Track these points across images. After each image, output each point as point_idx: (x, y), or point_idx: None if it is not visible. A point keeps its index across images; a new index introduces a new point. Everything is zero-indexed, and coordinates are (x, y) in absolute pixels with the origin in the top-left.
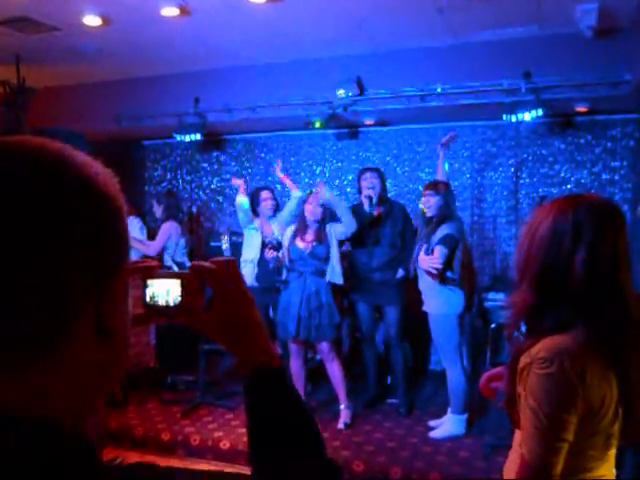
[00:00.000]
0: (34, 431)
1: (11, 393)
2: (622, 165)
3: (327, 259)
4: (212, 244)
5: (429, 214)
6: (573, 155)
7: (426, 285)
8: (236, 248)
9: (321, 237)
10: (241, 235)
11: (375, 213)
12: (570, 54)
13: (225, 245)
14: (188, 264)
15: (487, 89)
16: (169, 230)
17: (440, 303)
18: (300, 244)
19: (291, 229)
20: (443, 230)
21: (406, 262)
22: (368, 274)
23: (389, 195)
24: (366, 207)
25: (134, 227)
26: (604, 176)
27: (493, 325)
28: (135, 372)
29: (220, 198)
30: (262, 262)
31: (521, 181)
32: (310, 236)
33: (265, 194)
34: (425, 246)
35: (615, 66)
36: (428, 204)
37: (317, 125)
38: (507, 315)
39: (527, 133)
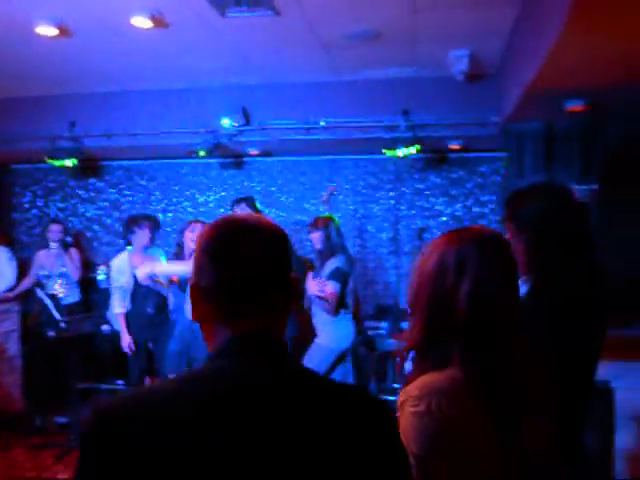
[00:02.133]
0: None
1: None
2: (491, 199)
3: None
4: (88, 275)
5: (317, 248)
6: (447, 189)
7: (319, 320)
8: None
9: None
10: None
11: None
12: (444, 95)
13: (102, 276)
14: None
15: (368, 125)
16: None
17: (330, 337)
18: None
19: (165, 260)
20: (331, 264)
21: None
22: None
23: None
24: None
25: (1, 257)
26: (475, 209)
27: (377, 353)
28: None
29: (96, 227)
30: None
31: (401, 213)
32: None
33: (145, 224)
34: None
35: (484, 108)
36: (314, 240)
37: (201, 154)
38: (399, 349)
39: (406, 168)
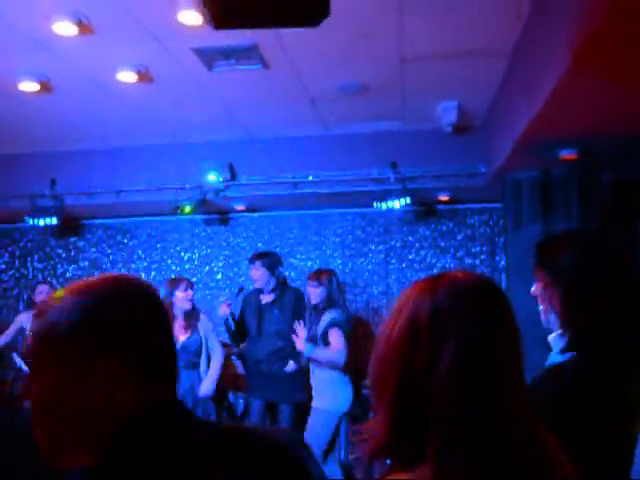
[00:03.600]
0: None
1: None
2: (482, 250)
3: (199, 352)
4: None
5: (313, 302)
6: (437, 241)
7: (316, 380)
8: None
9: (191, 328)
10: None
11: (263, 302)
12: (432, 147)
13: None
14: None
15: (357, 178)
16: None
17: (328, 399)
18: None
19: None
20: (326, 317)
21: (299, 354)
22: (256, 366)
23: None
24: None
25: None
26: (467, 261)
27: (370, 415)
28: None
29: None
30: None
31: (391, 266)
32: (179, 327)
33: None
34: (313, 335)
35: (472, 159)
36: (313, 294)
37: (187, 210)
38: (362, 448)
39: (395, 221)
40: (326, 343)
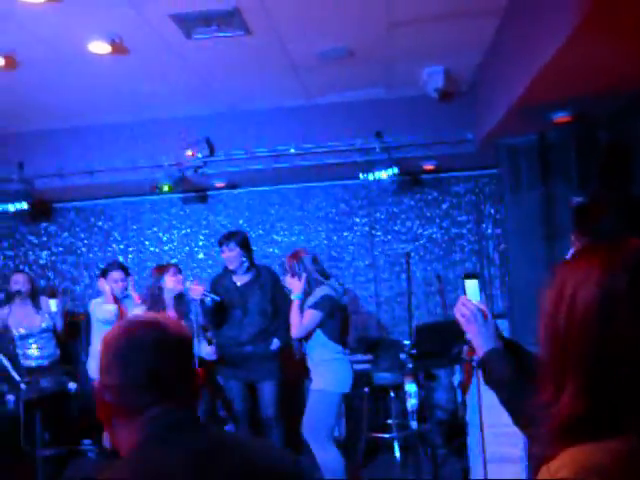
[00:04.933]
0: None
1: None
2: (468, 219)
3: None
4: None
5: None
6: (423, 211)
7: (314, 361)
8: (75, 330)
9: (182, 313)
10: (79, 315)
11: (238, 283)
12: (418, 115)
13: None
14: None
15: (340, 149)
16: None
17: (326, 379)
18: None
19: (139, 311)
20: (318, 292)
21: (281, 331)
22: (238, 348)
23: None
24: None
25: None
26: (453, 230)
27: (366, 389)
28: None
29: (50, 274)
30: None
31: (376, 239)
32: (171, 315)
33: (116, 275)
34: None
35: (459, 126)
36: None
37: (165, 189)
38: (533, 431)
39: (378, 192)
40: None
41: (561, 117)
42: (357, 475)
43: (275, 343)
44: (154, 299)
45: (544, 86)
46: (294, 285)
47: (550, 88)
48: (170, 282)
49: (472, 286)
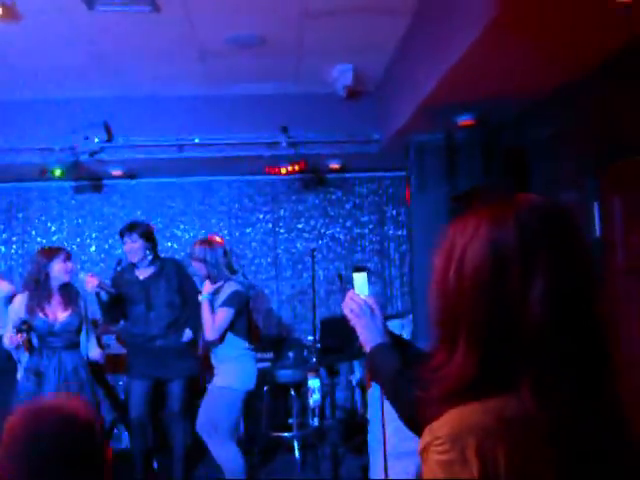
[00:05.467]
0: None
1: None
2: (370, 220)
3: (80, 331)
4: None
5: (203, 275)
6: (326, 210)
7: (218, 357)
8: None
9: (70, 304)
10: None
11: (141, 277)
12: (325, 112)
13: None
14: None
15: (246, 142)
16: None
17: (232, 377)
18: (47, 316)
19: (21, 299)
20: (228, 288)
21: (192, 321)
22: (148, 344)
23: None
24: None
25: None
26: (356, 230)
27: (265, 388)
28: None
29: None
30: None
31: (279, 237)
32: (57, 304)
33: None
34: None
35: (365, 126)
36: (197, 268)
37: (57, 173)
38: (424, 394)
39: (283, 189)
40: None
41: (465, 120)
42: (256, 475)
43: (187, 334)
44: (39, 285)
45: (449, 88)
46: (204, 286)
47: (455, 90)
48: (58, 269)
49: (361, 280)
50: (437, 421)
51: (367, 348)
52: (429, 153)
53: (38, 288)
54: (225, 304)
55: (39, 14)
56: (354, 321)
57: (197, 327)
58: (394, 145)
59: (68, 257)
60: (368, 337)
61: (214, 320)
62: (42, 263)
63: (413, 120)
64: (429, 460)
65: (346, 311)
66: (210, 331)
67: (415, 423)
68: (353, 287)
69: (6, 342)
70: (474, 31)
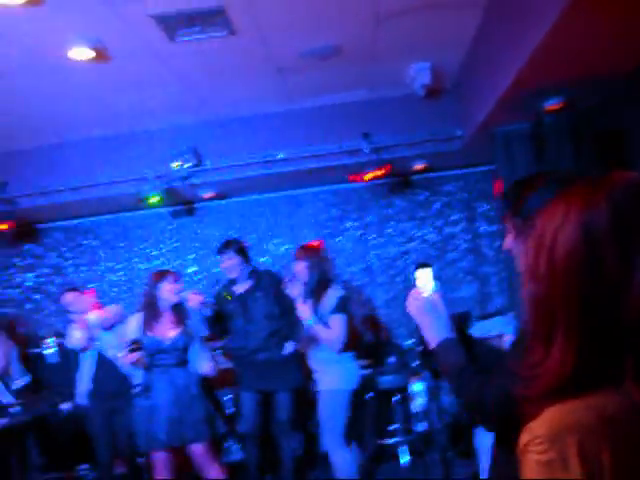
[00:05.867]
0: None
1: None
2: (461, 218)
3: (187, 349)
4: (33, 351)
5: (303, 282)
6: (415, 212)
7: (317, 361)
8: (66, 352)
9: (180, 323)
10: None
11: (238, 291)
12: (405, 114)
13: (50, 350)
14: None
15: (329, 152)
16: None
17: (334, 379)
18: (157, 334)
19: (134, 319)
20: (333, 295)
21: (293, 332)
22: (250, 357)
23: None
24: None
25: None
26: (446, 230)
27: (368, 395)
28: None
29: (38, 296)
30: (102, 369)
31: (369, 243)
32: (168, 323)
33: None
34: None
35: (446, 123)
36: (299, 272)
37: (152, 201)
38: (521, 392)
39: (369, 195)
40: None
41: (552, 105)
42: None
43: (289, 346)
44: (150, 306)
45: (533, 72)
46: (303, 311)
47: (539, 74)
48: (167, 290)
49: (424, 276)
50: (535, 420)
51: (433, 345)
52: (516, 143)
53: (149, 308)
54: (336, 311)
55: (126, 52)
56: (418, 319)
57: (298, 337)
58: (479, 139)
59: (176, 279)
60: (432, 334)
61: (333, 332)
62: (152, 285)
63: (497, 110)
64: (528, 460)
65: (410, 309)
66: (334, 344)
67: (483, 418)
68: (416, 285)
69: (122, 361)
70: (556, 8)
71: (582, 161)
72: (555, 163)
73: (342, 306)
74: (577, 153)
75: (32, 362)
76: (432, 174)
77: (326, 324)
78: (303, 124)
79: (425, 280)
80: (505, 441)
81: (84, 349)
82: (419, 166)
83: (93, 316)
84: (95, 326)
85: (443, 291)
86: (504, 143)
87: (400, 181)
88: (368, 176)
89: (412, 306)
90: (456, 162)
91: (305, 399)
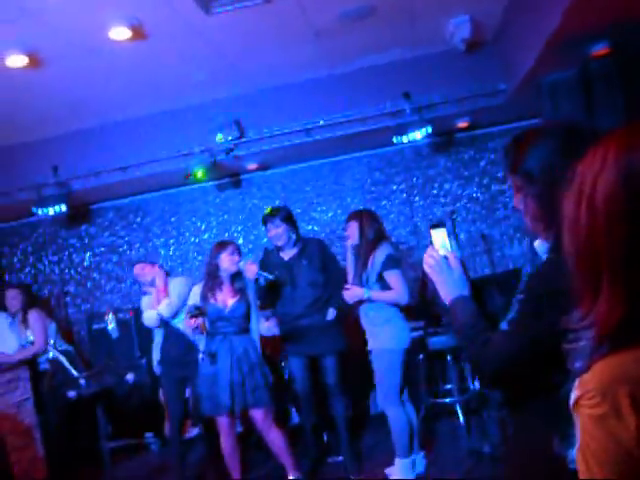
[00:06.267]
0: None
1: None
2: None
3: (248, 317)
4: (94, 327)
5: (354, 244)
6: (460, 171)
7: (369, 321)
8: (125, 326)
9: (240, 292)
10: (128, 311)
11: (286, 258)
12: (446, 71)
13: (111, 325)
14: (71, 349)
15: (371, 115)
16: (41, 317)
17: (386, 338)
18: (217, 302)
19: (197, 288)
20: (380, 254)
21: (335, 299)
22: (294, 322)
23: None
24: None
25: (3, 324)
26: (494, 187)
27: (421, 356)
28: None
29: (95, 275)
30: (169, 339)
31: (415, 204)
32: (227, 292)
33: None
34: (364, 277)
35: (489, 78)
36: (350, 234)
37: (199, 175)
38: (576, 345)
39: (412, 156)
40: (383, 281)
41: (600, 49)
42: (421, 441)
43: (331, 313)
44: (210, 275)
45: (578, 15)
46: (352, 293)
47: (585, 17)
48: (226, 261)
49: (439, 236)
50: (586, 374)
51: (446, 302)
52: (563, 92)
53: (210, 277)
54: (388, 268)
55: (163, 29)
56: (433, 277)
57: (341, 304)
58: (523, 92)
59: (235, 250)
60: (447, 292)
61: (394, 289)
62: (213, 255)
63: (542, 59)
64: (581, 415)
65: (425, 267)
66: (400, 299)
67: (483, 377)
68: (432, 244)
69: (186, 327)
70: None
71: (633, 111)
72: (604, 114)
73: (392, 263)
74: (629, 101)
75: (95, 337)
76: (477, 131)
77: (378, 285)
78: (343, 88)
79: (440, 240)
80: (515, 404)
81: (158, 327)
82: (463, 124)
83: (163, 306)
84: (165, 314)
85: (494, 249)
86: (550, 94)
87: (444, 140)
88: (411, 137)
89: (427, 264)
90: (500, 117)
91: (353, 362)
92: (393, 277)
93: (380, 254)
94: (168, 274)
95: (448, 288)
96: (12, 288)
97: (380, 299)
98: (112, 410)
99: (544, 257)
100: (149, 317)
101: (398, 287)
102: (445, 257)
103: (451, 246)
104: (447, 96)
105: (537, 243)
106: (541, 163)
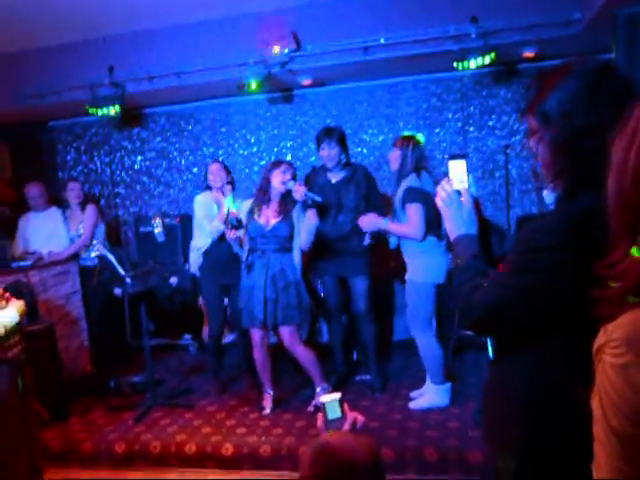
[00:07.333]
0: None
1: None
2: None
3: (291, 238)
4: (142, 229)
5: (394, 169)
6: (520, 104)
7: (405, 251)
8: (171, 231)
9: (285, 212)
10: (174, 217)
11: (333, 180)
12: None
13: (158, 229)
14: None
15: (433, 37)
16: (95, 214)
17: (418, 270)
18: (260, 220)
19: (248, 203)
20: (406, 183)
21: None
22: (333, 244)
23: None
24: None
25: (57, 219)
26: None
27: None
28: (71, 380)
29: (145, 179)
30: (217, 247)
31: (469, 135)
32: (273, 211)
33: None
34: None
35: (562, 5)
36: (392, 161)
37: (253, 86)
38: (599, 292)
39: (472, 84)
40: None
41: None
42: (451, 372)
43: (367, 239)
44: (261, 192)
45: None
46: (370, 219)
47: None
48: (276, 178)
49: (457, 168)
50: (613, 322)
51: (451, 238)
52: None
53: (260, 194)
54: (408, 200)
55: None
56: (442, 210)
57: (377, 233)
58: (599, 23)
59: (289, 169)
60: (453, 228)
61: (409, 224)
62: (266, 171)
63: None
64: (603, 362)
65: (437, 200)
66: (414, 234)
67: (468, 321)
68: (448, 176)
69: (228, 236)
70: None
71: None
72: None
73: (411, 195)
74: None
75: (142, 239)
76: (543, 63)
77: (403, 215)
78: (406, 7)
79: (458, 172)
80: (501, 350)
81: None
82: (529, 53)
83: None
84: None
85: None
86: (627, 27)
87: (507, 70)
88: (474, 64)
89: (439, 197)
90: (570, 50)
91: (383, 289)
92: (410, 210)
93: (404, 185)
94: (233, 185)
95: (455, 224)
96: (75, 181)
97: (395, 231)
98: (154, 310)
99: (551, 208)
100: (215, 228)
101: (413, 221)
102: (458, 192)
103: (467, 181)
104: (516, 22)
105: (545, 193)
106: (562, 107)
